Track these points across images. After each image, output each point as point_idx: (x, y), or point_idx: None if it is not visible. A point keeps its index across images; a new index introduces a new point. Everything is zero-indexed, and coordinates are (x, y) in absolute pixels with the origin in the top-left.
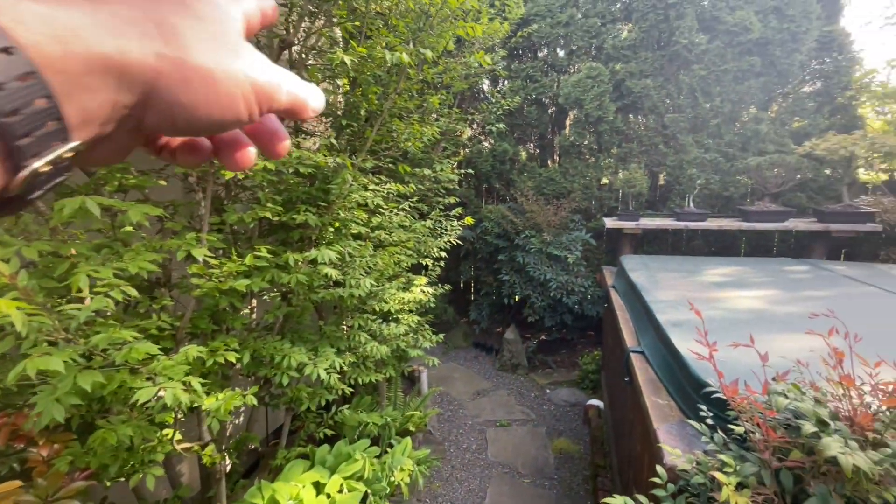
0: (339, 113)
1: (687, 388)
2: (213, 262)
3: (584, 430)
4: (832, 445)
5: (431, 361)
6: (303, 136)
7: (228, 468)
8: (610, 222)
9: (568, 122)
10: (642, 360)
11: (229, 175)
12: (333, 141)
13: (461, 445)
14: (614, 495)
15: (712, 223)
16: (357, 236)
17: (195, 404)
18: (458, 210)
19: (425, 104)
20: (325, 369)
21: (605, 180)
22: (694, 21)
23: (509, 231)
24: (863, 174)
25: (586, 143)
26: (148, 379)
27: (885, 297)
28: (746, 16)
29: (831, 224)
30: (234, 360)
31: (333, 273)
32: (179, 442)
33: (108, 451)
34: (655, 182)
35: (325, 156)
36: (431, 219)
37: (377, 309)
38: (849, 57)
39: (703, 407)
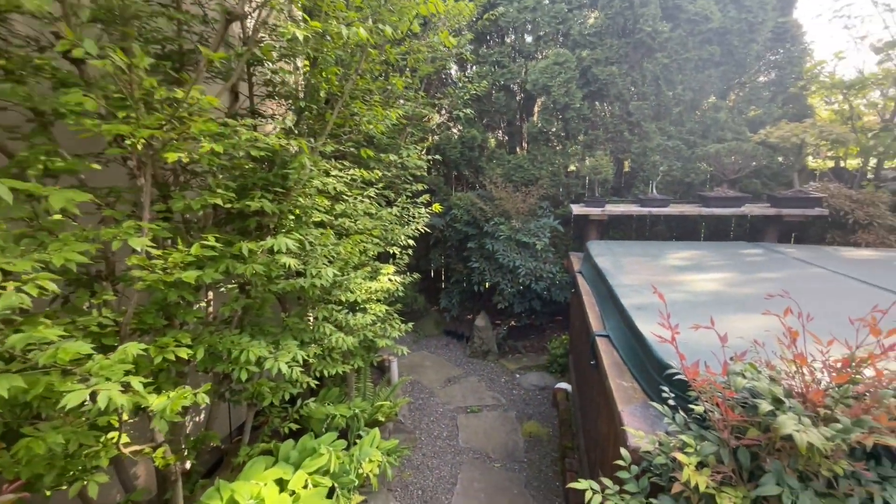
0: (299, 95)
1: (650, 370)
2: (155, 252)
3: (552, 412)
4: (787, 423)
5: (401, 351)
6: (260, 119)
7: (188, 467)
8: (577, 209)
9: (536, 109)
10: (608, 344)
11: (173, 157)
12: (290, 124)
13: (432, 433)
14: (580, 479)
15: (674, 209)
16: (319, 224)
17: (142, 405)
18: (426, 197)
19: (389, 87)
20: (287, 363)
21: (572, 167)
22: (657, 9)
23: (479, 218)
24: (811, 162)
25: (554, 130)
26: (82, 381)
27: (833, 277)
28: (707, 5)
29: (783, 209)
30: (185, 357)
31: (293, 263)
32: (127, 445)
33: (40, 460)
34: (620, 169)
35: (280, 139)
36: (398, 206)
37: (343, 299)
38: (801, 48)
39: (666, 388)
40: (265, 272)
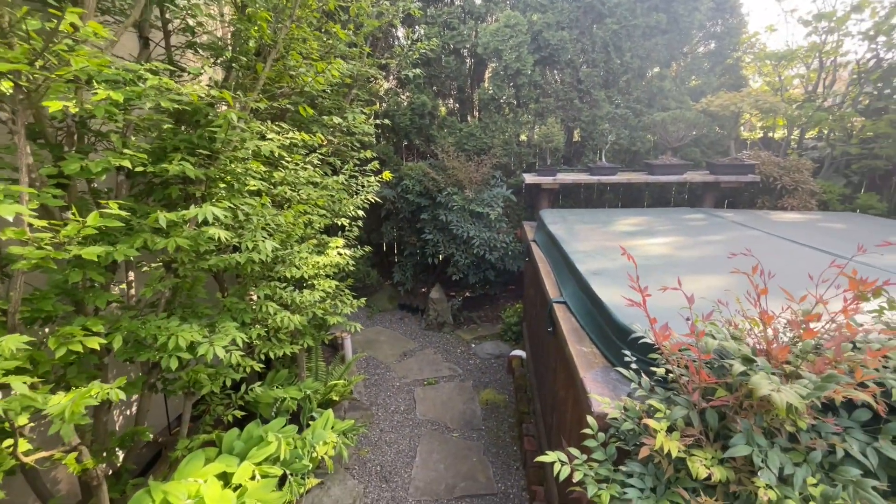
0: (224, 45)
1: (610, 335)
2: (38, 223)
3: (508, 379)
4: (762, 384)
5: (353, 328)
6: (179, 76)
7: (119, 466)
8: (529, 178)
9: (487, 76)
10: (565, 311)
11: (56, 106)
12: (216, 79)
13: (389, 408)
14: (547, 452)
15: (622, 177)
16: (255, 193)
17: (40, 409)
18: (375, 164)
19: (329, 39)
20: (225, 347)
21: (523, 136)
22: None
23: (431, 189)
24: (743, 132)
25: (505, 97)
26: None
27: (768, 239)
28: None
29: (721, 176)
30: (97, 347)
31: (224, 235)
32: (29, 452)
33: None
34: (570, 138)
35: (199, 89)
36: (345, 174)
37: (288, 275)
38: (738, 19)
39: (627, 352)
40: (192, 247)
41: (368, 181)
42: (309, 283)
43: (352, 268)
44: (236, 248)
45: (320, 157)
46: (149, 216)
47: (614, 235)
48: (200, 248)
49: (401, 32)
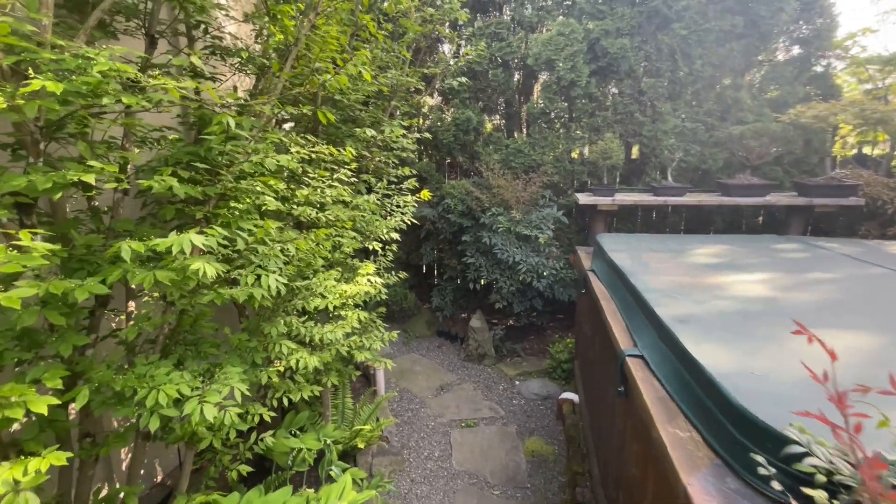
0: (252, 50)
1: (719, 417)
2: None
3: (557, 426)
4: None
5: (384, 364)
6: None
7: None
8: (583, 198)
9: (536, 89)
10: (643, 368)
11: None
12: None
13: (422, 452)
14: None
15: (691, 198)
16: (275, 215)
17: None
18: (412, 182)
19: (364, 44)
20: (218, 403)
21: (575, 153)
22: None
23: (474, 209)
24: (838, 149)
25: (557, 111)
26: None
27: None
28: None
29: (814, 198)
30: (43, 411)
31: (212, 270)
32: None
33: None
34: (628, 155)
35: (176, 78)
36: (377, 192)
37: (309, 307)
38: (828, 21)
39: (761, 458)
40: (176, 282)
41: (405, 201)
42: (335, 314)
43: (384, 296)
44: (237, 281)
45: (351, 172)
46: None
47: (692, 268)
48: (189, 283)
49: (446, 47)
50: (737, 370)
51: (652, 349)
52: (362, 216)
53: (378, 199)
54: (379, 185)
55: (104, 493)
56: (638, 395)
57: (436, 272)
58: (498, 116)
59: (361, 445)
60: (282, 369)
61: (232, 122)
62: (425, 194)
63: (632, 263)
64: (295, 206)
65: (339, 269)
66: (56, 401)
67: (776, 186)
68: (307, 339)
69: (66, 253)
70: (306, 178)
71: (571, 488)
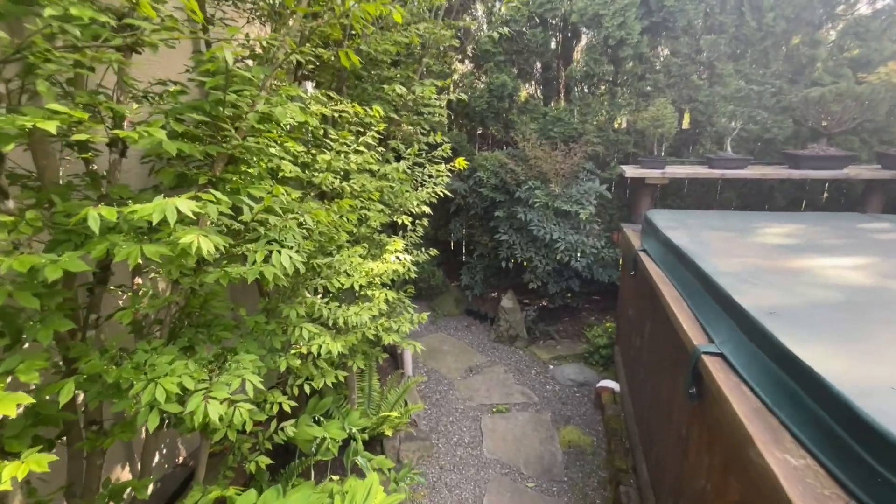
0: None
1: (850, 443)
2: None
3: (595, 416)
4: None
5: (413, 347)
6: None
7: None
8: (630, 170)
9: (578, 51)
10: (725, 369)
11: None
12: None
13: (451, 438)
14: None
15: (753, 171)
16: (294, 183)
17: None
18: (446, 148)
19: None
20: (226, 398)
21: (619, 121)
22: None
23: (509, 182)
24: None
25: (602, 74)
26: None
27: None
28: None
29: None
30: (10, 413)
31: (209, 244)
32: None
33: None
34: (678, 123)
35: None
36: (407, 159)
37: (333, 287)
38: None
39: None
40: (172, 257)
41: (438, 170)
42: (361, 293)
43: (413, 274)
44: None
45: (378, 136)
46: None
47: (764, 250)
48: (188, 260)
49: (479, 8)
50: (869, 383)
51: (736, 346)
52: (390, 186)
53: (408, 168)
54: (409, 151)
55: (116, 480)
56: (723, 402)
57: (465, 249)
58: (534, 83)
59: (389, 433)
60: (304, 352)
61: (229, 57)
62: (461, 162)
63: (693, 243)
64: (316, 174)
65: (366, 244)
66: (29, 399)
67: (854, 158)
68: (331, 322)
69: (40, 222)
70: (328, 141)
71: (615, 486)
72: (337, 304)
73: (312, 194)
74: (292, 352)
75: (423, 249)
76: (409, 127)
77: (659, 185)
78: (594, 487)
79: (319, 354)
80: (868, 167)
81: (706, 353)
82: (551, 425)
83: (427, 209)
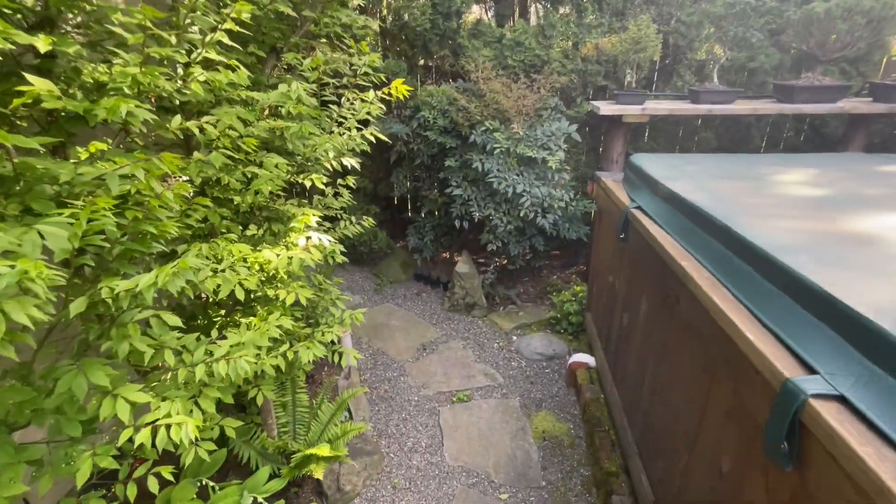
0: None
1: None
2: None
3: (569, 396)
4: None
5: (345, 359)
6: None
7: None
8: (605, 107)
9: None
10: (859, 429)
11: None
12: None
13: (405, 442)
14: None
15: (742, 106)
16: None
17: None
18: (373, 58)
19: None
20: None
21: (588, 47)
22: None
23: (460, 123)
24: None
25: None
26: None
27: None
28: None
29: None
30: None
31: None
32: None
33: None
34: None
35: None
36: (305, 76)
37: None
38: None
39: None
40: None
41: (364, 99)
42: (251, 305)
43: (340, 258)
44: None
45: (238, 34)
46: None
47: (804, 206)
48: None
49: None
50: None
51: (867, 386)
52: (285, 127)
53: (311, 92)
54: (306, 63)
55: None
56: (871, 485)
57: (411, 205)
58: (484, 5)
59: (318, 474)
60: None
61: None
62: (399, 88)
63: (710, 199)
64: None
65: (263, 221)
66: None
67: (848, 89)
68: (181, 378)
69: None
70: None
71: (604, 495)
72: (197, 337)
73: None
74: (101, 445)
75: (353, 221)
76: (324, 42)
77: (636, 124)
78: (578, 492)
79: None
80: (861, 100)
81: (816, 395)
82: (521, 413)
83: (354, 162)
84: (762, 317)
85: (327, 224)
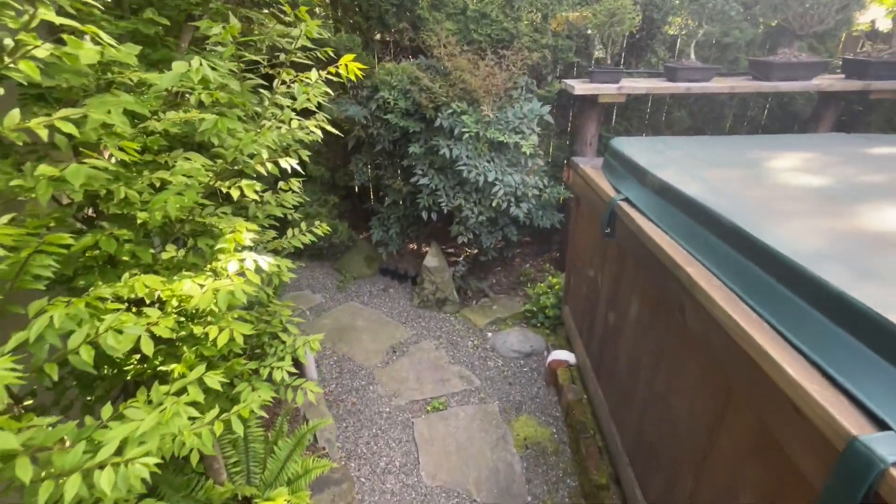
0: None
1: None
2: None
3: (550, 396)
4: None
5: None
6: None
7: None
8: (580, 86)
9: None
10: None
11: None
12: None
13: (377, 463)
14: None
15: (721, 84)
16: None
17: None
18: (311, 25)
19: None
20: None
21: (556, 21)
22: None
23: (424, 105)
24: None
25: None
26: None
27: None
28: None
29: (873, 80)
30: None
31: None
32: None
33: None
34: None
35: None
36: (215, 50)
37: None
38: None
39: None
40: None
41: (305, 80)
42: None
43: (281, 278)
44: None
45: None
46: None
47: (815, 200)
48: None
49: None
50: None
51: None
52: (201, 119)
53: (233, 72)
54: (214, 32)
55: None
56: None
57: (373, 194)
58: None
59: None
60: None
61: None
62: (350, 66)
63: (709, 192)
64: None
65: (186, 237)
66: None
67: (827, 65)
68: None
69: None
70: None
71: None
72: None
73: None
74: None
75: (302, 229)
76: (264, 13)
77: (611, 104)
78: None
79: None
80: (835, 77)
81: (890, 465)
82: (501, 419)
83: (292, 163)
84: (793, 339)
85: (271, 234)
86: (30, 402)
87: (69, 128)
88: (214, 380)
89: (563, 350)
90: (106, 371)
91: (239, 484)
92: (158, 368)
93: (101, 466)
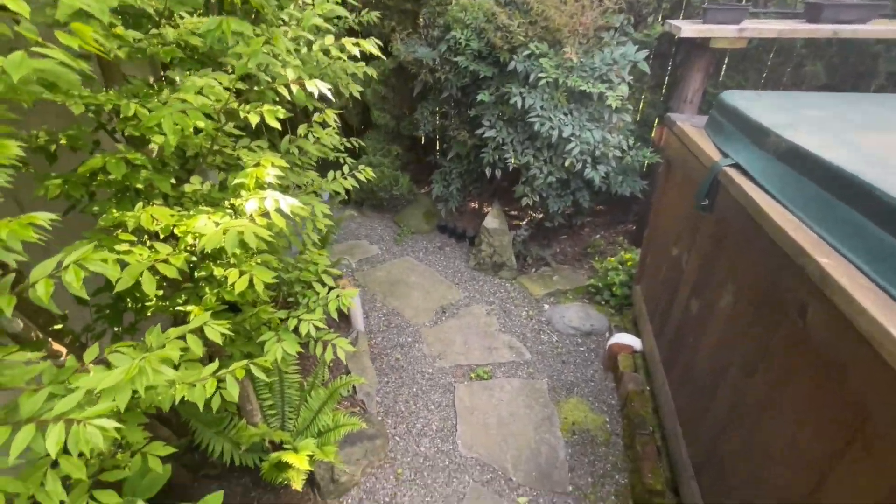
0: None
1: None
2: None
3: (606, 382)
4: None
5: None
6: None
7: None
8: (688, 26)
9: None
10: None
11: None
12: None
13: (414, 424)
14: None
15: (884, 25)
16: None
17: None
18: None
19: None
20: None
21: None
22: None
23: (498, 47)
24: None
25: None
26: None
27: None
28: None
29: None
30: None
31: None
32: None
33: None
34: None
35: None
36: None
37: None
38: None
39: None
40: None
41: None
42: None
43: (323, 224)
44: None
45: None
46: None
47: None
48: None
49: None
50: None
51: None
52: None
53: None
54: None
55: None
56: None
57: (438, 146)
58: None
59: (297, 485)
60: None
61: None
62: None
63: (866, 163)
64: None
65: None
66: None
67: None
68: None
69: None
70: None
71: None
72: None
73: None
74: None
75: (344, 173)
76: None
77: (727, 49)
78: (612, 503)
79: None
80: None
81: None
82: (549, 398)
83: (322, 86)
84: None
85: (312, 174)
86: (59, 326)
87: (18, 4)
88: (216, 331)
89: (628, 334)
90: (130, 305)
91: (273, 427)
92: (176, 308)
93: (61, 420)
